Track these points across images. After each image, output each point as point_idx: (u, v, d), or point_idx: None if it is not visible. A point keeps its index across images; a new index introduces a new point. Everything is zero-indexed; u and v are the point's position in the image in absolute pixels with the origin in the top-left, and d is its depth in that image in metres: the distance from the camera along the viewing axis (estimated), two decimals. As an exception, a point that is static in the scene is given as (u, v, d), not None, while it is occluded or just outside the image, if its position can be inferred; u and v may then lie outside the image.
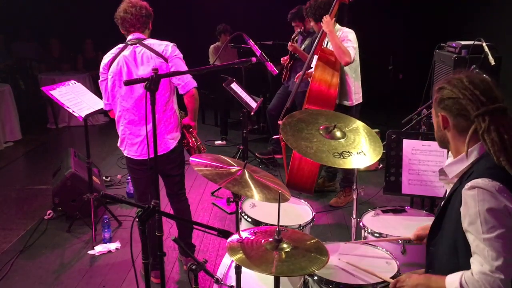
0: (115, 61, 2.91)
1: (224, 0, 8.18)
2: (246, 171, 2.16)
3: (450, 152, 1.79)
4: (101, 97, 3.17)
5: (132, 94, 2.91)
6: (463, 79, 1.64)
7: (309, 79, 4.08)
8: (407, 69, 7.16)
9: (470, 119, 1.61)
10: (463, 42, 3.85)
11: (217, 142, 6.47)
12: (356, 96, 4.13)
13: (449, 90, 1.66)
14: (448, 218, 1.73)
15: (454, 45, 3.93)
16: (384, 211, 2.75)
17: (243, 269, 2.01)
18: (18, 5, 8.08)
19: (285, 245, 1.81)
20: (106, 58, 2.95)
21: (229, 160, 2.29)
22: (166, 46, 2.94)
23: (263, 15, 8.10)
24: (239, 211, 2.61)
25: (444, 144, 1.79)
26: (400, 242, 2.35)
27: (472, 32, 4.87)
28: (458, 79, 1.66)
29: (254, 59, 2.38)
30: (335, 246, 2.32)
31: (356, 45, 3.89)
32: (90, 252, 3.67)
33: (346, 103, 4.11)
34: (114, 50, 2.95)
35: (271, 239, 1.84)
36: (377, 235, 2.46)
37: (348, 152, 2.36)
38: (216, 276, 2.22)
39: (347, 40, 3.85)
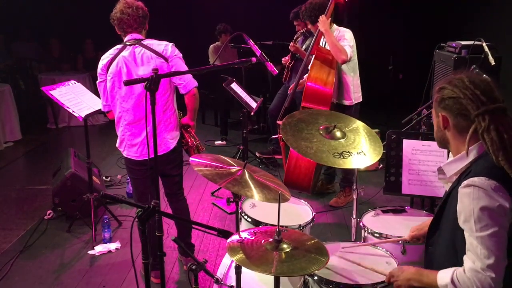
0: (114, 62, 2.90)
1: (224, 0, 8.18)
2: (246, 171, 2.16)
3: (450, 153, 1.80)
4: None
5: (132, 94, 2.91)
6: (464, 79, 1.65)
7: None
8: (407, 69, 7.16)
9: (470, 119, 1.62)
10: (463, 42, 3.85)
11: (217, 142, 6.47)
12: (355, 95, 4.14)
13: (449, 90, 1.67)
14: (446, 217, 1.74)
15: (454, 45, 3.93)
16: (384, 211, 2.75)
17: (243, 269, 2.01)
18: (18, 5, 8.08)
19: (285, 246, 1.81)
20: (105, 59, 2.94)
21: (229, 160, 2.29)
22: (165, 46, 2.94)
23: (263, 15, 8.10)
24: (239, 211, 2.61)
25: (443, 144, 1.80)
26: (400, 242, 2.35)
27: (472, 32, 4.87)
28: (459, 79, 1.67)
29: (254, 59, 2.38)
30: (335, 246, 2.32)
31: (353, 43, 3.93)
32: (90, 252, 3.67)
33: (345, 102, 4.13)
34: (113, 51, 2.94)
35: (271, 240, 1.84)
36: (377, 235, 2.45)
37: (348, 152, 2.36)
38: (216, 276, 2.22)
39: (343, 39, 3.90)
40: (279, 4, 6.42)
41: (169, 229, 3.88)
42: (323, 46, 4.12)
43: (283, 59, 5.26)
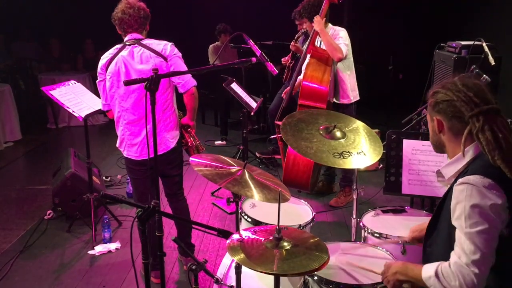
0: (113, 61, 2.90)
1: (224, 0, 8.18)
2: (246, 171, 2.16)
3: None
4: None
5: (131, 94, 2.91)
6: (456, 83, 1.69)
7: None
8: (407, 69, 7.16)
9: (464, 121, 1.65)
10: (463, 42, 3.85)
11: (217, 142, 6.47)
12: (353, 93, 4.19)
13: (443, 94, 1.70)
14: (443, 218, 1.75)
15: (454, 45, 3.93)
16: (384, 211, 2.75)
17: (243, 269, 2.01)
18: (18, 5, 8.08)
19: (285, 243, 1.80)
20: (104, 58, 2.95)
21: (229, 160, 2.29)
22: (165, 45, 2.95)
23: (263, 15, 8.10)
24: (239, 211, 2.61)
25: (439, 148, 1.82)
26: (400, 242, 2.35)
27: (472, 32, 4.87)
28: (451, 83, 1.70)
29: (254, 59, 2.38)
30: (335, 246, 2.32)
31: (348, 42, 3.99)
32: (90, 252, 3.67)
33: (344, 101, 4.17)
34: (112, 51, 2.95)
35: (271, 238, 1.84)
36: (377, 235, 2.45)
37: (348, 152, 2.36)
38: (216, 276, 2.22)
39: (338, 37, 3.97)
40: (279, 4, 6.42)
41: (171, 229, 3.88)
42: (318, 46, 4.15)
43: (282, 59, 5.25)
